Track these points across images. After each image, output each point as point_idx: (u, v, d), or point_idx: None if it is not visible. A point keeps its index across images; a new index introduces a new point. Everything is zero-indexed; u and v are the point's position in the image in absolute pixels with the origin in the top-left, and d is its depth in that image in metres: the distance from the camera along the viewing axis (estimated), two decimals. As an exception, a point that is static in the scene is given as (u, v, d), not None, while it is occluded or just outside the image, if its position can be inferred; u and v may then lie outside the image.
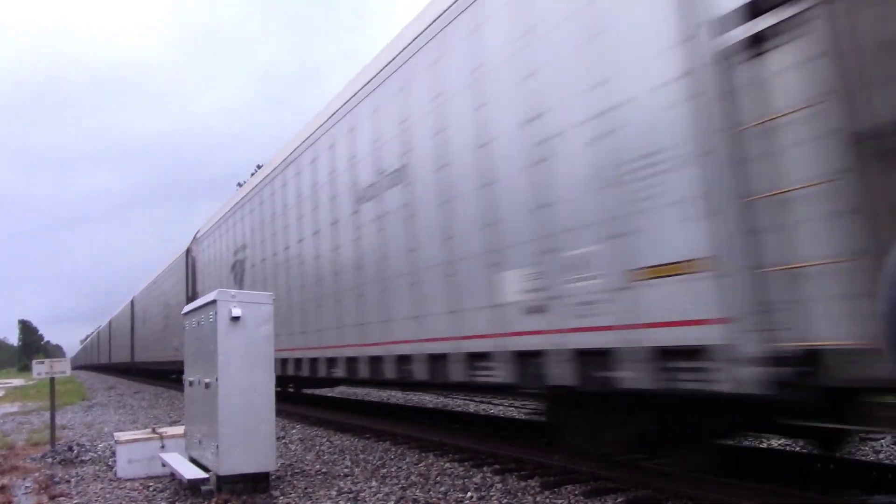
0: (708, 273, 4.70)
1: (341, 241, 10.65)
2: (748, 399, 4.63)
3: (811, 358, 4.26)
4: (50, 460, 9.48)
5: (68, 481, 7.97)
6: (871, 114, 3.98)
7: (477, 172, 7.27)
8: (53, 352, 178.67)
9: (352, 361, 10.25)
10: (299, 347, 12.54)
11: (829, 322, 4.19)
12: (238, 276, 16.66)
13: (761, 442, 8.41)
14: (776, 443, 8.35)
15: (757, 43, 4.61)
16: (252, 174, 21.40)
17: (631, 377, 5.34)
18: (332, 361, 11.04)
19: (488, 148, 7.09)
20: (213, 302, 6.95)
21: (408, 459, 8.23)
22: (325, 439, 10.39)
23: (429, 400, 16.31)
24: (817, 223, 4.27)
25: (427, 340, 8.21)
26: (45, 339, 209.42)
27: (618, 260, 5.43)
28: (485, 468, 7.38)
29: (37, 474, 8.44)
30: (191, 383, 7.98)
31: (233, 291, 7.11)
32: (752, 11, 4.62)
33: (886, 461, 6.99)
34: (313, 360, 11.92)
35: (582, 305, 5.79)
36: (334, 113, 11.12)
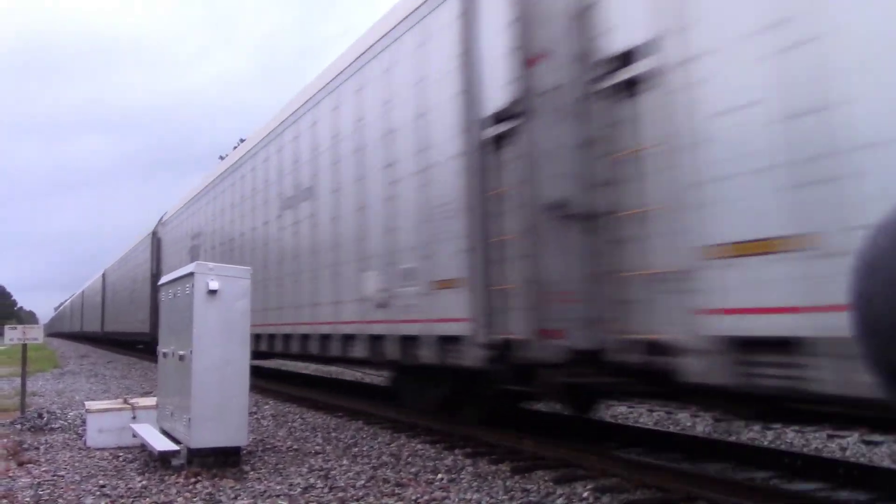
0: (463, 287, 7.28)
1: (270, 239, 13.43)
2: (480, 370, 7.07)
3: (508, 344, 6.70)
4: (19, 427, 9.46)
5: (37, 448, 7.97)
6: (546, 195, 6.33)
7: (355, 198, 9.79)
8: (27, 318, 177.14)
9: (272, 337, 13.10)
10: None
11: (516, 323, 6.58)
12: (194, 258, 18.02)
13: (732, 436, 8.52)
14: (745, 437, 8.46)
15: (499, 140, 6.94)
16: (235, 147, 21.40)
17: (426, 355, 7.95)
18: (258, 338, 13.14)
19: (363, 182, 9.59)
20: (191, 274, 6.93)
21: (380, 439, 8.28)
22: (297, 416, 10.43)
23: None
24: (517, 261, 6.56)
25: (320, 323, 10.82)
26: (19, 304, 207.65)
27: (427, 273, 7.94)
28: (456, 451, 7.45)
29: (5, 440, 8.42)
30: (165, 355, 7.96)
31: (211, 264, 7.09)
32: (496, 119, 6.94)
33: (852, 459, 7.11)
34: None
35: (406, 305, 8.31)
36: (268, 133, 13.83)
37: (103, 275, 43.48)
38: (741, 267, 4.51)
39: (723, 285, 4.63)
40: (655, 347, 5.21)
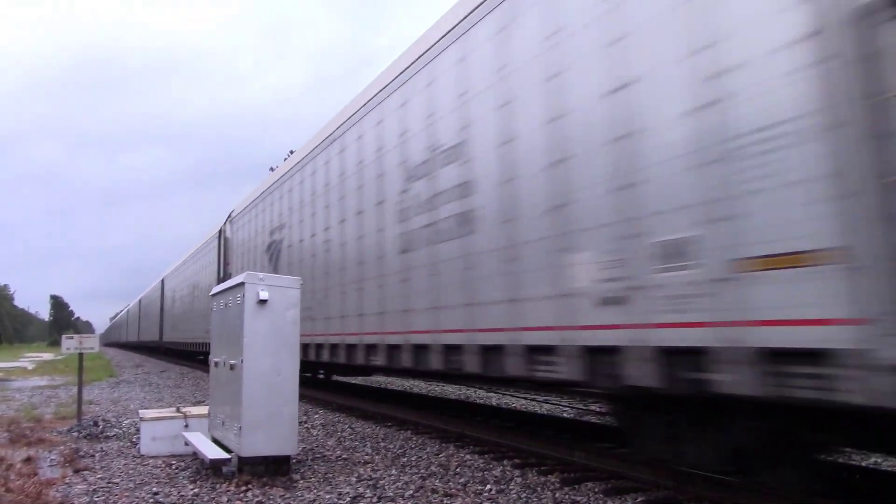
0: (837, 266, 3.98)
1: (387, 223, 9.97)
2: (882, 412, 3.89)
3: None
4: (76, 434, 9.67)
5: (93, 456, 8.13)
6: None
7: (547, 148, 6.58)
8: (83, 328, 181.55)
9: (393, 349, 9.59)
10: (336, 332, 11.91)
11: None
12: (273, 256, 16.03)
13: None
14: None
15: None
16: (285, 159, 21.28)
17: (731, 381, 4.63)
18: (371, 348, 10.38)
19: (561, 122, 6.38)
20: (241, 284, 7.03)
21: (428, 449, 8.27)
22: (346, 425, 10.47)
23: (451, 391, 16.34)
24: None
25: (480, 330, 7.54)
26: (76, 314, 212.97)
27: (720, 247, 4.72)
28: (505, 461, 7.40)
29: (62, 447, 8.62)
30: (216, 364, 8.08)
31: (261, 274, 7.18)
32: None
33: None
34: (350, 347, 11.21)
35: (671, 298, 5.10)
36: (384, 87, 10.46)
37: (161, 282, 38.37)
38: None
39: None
40: None
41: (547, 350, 6.46)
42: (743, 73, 4.63)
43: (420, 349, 8.86)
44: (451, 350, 8.12)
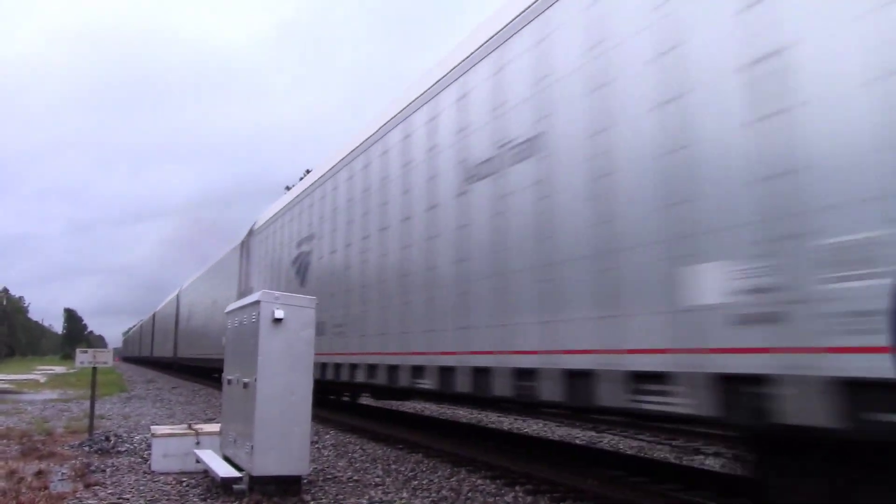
0: None
1: (441, 230, 8.70)
2: None
3: None
4: (87, 449, 9.67)
5: (104, 471, 8.12)
6: None
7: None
8: (96, 342, 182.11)
9: (446, 371, 8.40)
10: (376, 352, 10.51)
11: None
12: (301, 269, 14.81)
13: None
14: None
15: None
16: (301, 178, 21.34)
17: None
18: (417, 370, 9.12)
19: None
20: (257, 302, 7.03)
21: (440, 473, 8.20)
22: (357, 447, 10.41)
23: (462, 414, 16.25)
24: None
25: (565, 352, 6.31)
26: (89, 328, 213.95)
27: None
28: (517, 487, 7.32)
29: (74, 462, 8.62)
30: (229, 382, 8.07)
31: (276, 293, 7.18)
32: None
33: None
34: (392, 368, 9.98)
35: (850, 316, 3.90)
36: (439, 80, 9.28)
37: (177, 296, 37.47)
38: None
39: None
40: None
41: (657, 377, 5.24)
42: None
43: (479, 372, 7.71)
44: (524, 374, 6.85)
